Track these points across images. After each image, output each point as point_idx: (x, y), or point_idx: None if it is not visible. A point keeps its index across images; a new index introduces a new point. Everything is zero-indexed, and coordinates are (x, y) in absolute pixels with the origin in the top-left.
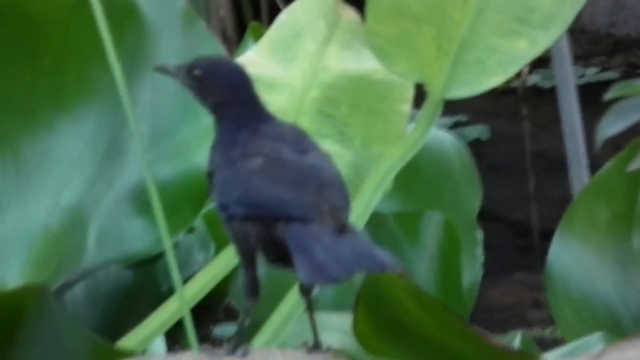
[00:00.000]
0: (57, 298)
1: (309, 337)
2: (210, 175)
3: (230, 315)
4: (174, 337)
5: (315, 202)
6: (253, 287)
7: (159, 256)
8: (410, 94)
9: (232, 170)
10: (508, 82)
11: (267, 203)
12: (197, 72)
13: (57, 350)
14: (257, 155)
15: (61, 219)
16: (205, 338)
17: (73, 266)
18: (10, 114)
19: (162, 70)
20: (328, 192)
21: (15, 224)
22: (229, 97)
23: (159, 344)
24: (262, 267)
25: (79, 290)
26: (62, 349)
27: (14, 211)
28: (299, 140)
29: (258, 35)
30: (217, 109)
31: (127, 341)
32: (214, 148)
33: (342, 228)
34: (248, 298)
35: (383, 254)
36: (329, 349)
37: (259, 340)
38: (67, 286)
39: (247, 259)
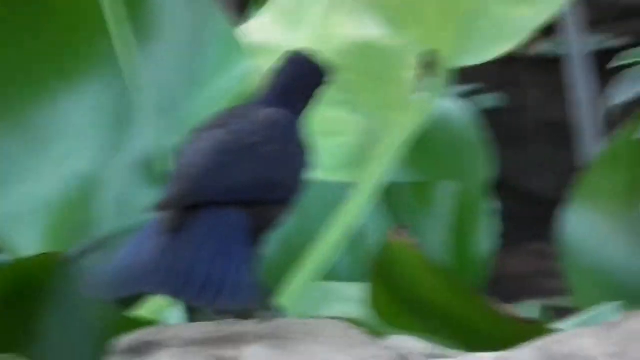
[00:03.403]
0: (74, 267)
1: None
2: None
3: None
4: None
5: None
6: None
7: None
8: (413, 60)
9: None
10: (520, 49)
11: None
12: None
13: (74, 318)
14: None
15: (73, 188)
16: None
17: (87, 236)
18: (14, 81)
19: None
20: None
21: (27, 194)
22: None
23: (176, 313)
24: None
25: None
26: (79, 318)
27: (24, 181)
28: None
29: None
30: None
31: (144, 310)
32: None
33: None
34: None
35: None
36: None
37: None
38: (83, 255)
39: None
